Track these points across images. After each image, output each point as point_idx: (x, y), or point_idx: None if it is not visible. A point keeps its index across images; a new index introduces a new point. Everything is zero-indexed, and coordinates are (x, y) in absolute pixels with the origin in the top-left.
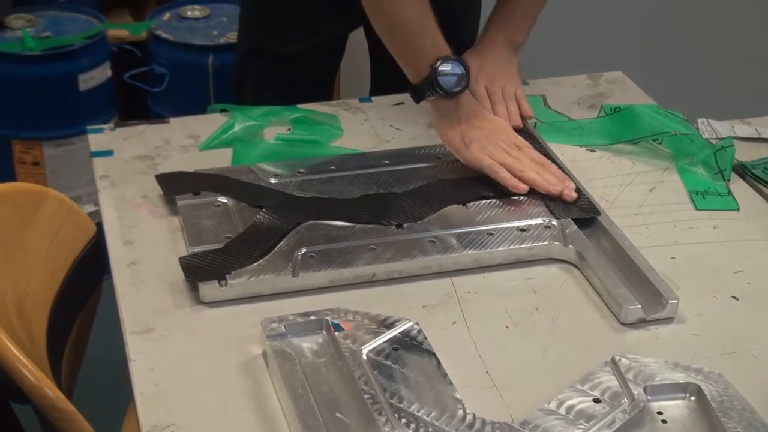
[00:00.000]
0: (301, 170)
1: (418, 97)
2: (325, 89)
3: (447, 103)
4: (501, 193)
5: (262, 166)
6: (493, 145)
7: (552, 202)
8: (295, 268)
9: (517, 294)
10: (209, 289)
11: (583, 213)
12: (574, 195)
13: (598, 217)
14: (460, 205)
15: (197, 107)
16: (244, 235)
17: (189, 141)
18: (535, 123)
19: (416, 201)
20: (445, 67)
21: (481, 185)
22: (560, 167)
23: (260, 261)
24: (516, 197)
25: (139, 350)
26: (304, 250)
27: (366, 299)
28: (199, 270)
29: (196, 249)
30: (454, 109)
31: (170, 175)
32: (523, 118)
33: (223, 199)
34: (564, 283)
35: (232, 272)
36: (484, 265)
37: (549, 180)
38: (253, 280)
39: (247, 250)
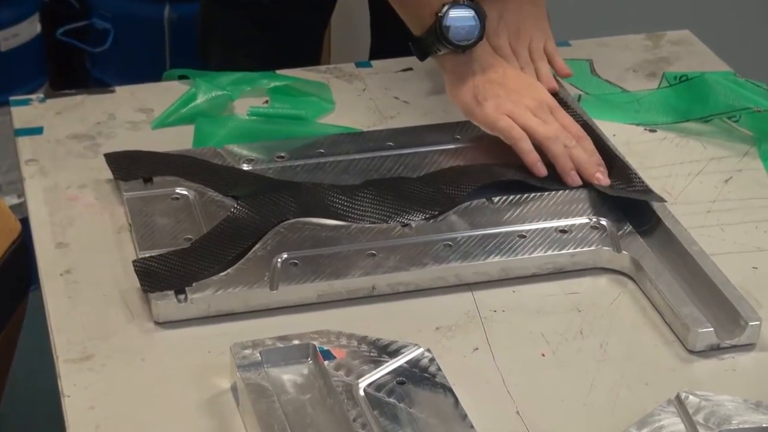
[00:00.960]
0: (282, 154)
1: (422, 53)
2: (312, 50)
3: (457, 59)
4: (545, 184)
5: (231, 148)
6: (514, 102)
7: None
8: (274, 279)
9: (556, 313)
10: (165, 305)
11: (638, 195)
12: (607, 180)
13: (661, 217)
14: (484, 200)
15: (150, 73)
16: (213, 233)
17: (139, 116)
18: (580, 95)
19: (427, 193)
20: (454, 14)
21: (515, 173)
22: (610, 153)
23: (229, 270)
24: (556, 189)
25: (75, 383)
26: (285, 255)
27: (364, 319)
28: (159, 277)
29: (149, 253)
30: (467, 66)
31: (123, 154)
32: (559, 80)
33: (181, 191)
34: (616, 299)
35: (194, 284)
36: (514, 276)
37: (579, 158)
38: (221, 294)
39: (218, 252)
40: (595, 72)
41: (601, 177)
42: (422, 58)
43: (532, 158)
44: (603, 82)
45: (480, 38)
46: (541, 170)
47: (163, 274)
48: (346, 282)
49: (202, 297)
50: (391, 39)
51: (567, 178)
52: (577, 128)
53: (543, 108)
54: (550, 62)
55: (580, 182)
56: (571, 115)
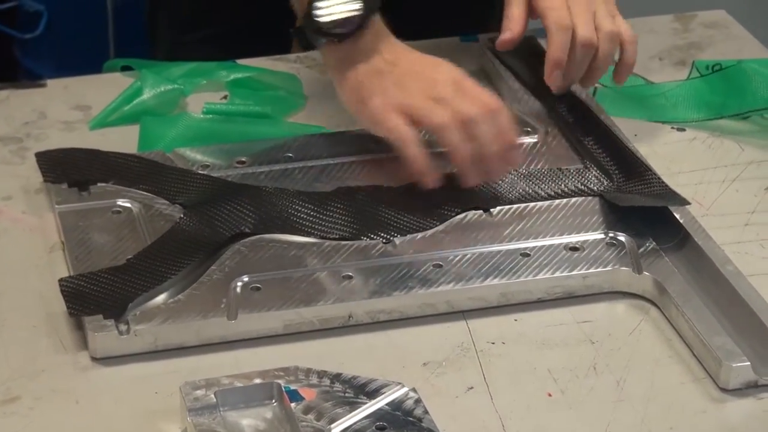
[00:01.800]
0: (243, 159)
1: (305, 45)
2: (279, 35)
3: (339, 51)
4: (558, 193)
5: (183, 152)
6: (405, 92)
7: (611, 183)
8: (233, 307)
9: (565, 345)
10: (104, 338)
11: (654, 200)
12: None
13: (689, 231)
14: (481, 212)
15: (89, 63)
16: (154, 248)
17: (75, 114)
18: (595, 88)
19: (414, 204)
20: None
21: (523, 182)
22: (628, 157)
23: (179, 296)
24: (566, 197)
25: None
26: (245, 278)
27: (338, 353)
28: (89, 298)
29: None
30: (350, 59)
31: (58, 153)
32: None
33: (124, 203)
34: (636, 328)
35: (138, 313)
36: (516, 301)
37: (482, 148)
38: (169, 324)
39: (158, 270)
40: (614, 60)
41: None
42: (306, 50)
43: (418, 167)
44: None
45: (361, 25)
46: (429, 183)
47: (93, 295)
48: (317, 309)
49: (148, 328)
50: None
51: (464, 178)
52: (492, 103)
53: (445, 88)
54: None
55: (478, 182)
56: (583, 113)
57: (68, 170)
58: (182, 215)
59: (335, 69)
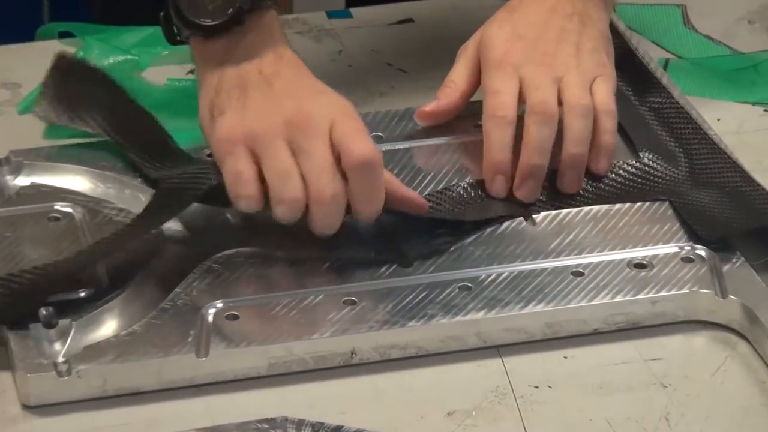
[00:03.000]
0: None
1: (171, 36)
2: None
3: (209, 50)
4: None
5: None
6: (263, 119)
7: (687, 188)
8: (203, 341)
9: (629, 389)
10: (38, 381)
11: (751, 219)
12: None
13: None
14: (521, 219)
15: (20, 29)
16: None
17: (1, 94)
18: (667, 60)
19: (438, 212)
20: None
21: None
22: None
23: (134, 326)
24: (630, 200)
25: None
26: (219, 304)
27: (338, 400)
28: None
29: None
30: (219, 61)
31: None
32: (627, 32)
33: (64, 207)
34: (720, 368)
35: (83, 349)
36: (566, 334)
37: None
38: (122, 363)
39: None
40: (690, 23)
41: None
42: (172, 43)
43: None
44: (702, 39)
45: (236, 19)
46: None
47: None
48: (311, 344)
49: (94, 368)
50: None
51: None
52: (356, 152)
53: (311, 130)
54: (595, 130)
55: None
56: (656, 90)
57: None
58: (152, 197)
59: (200, 69)
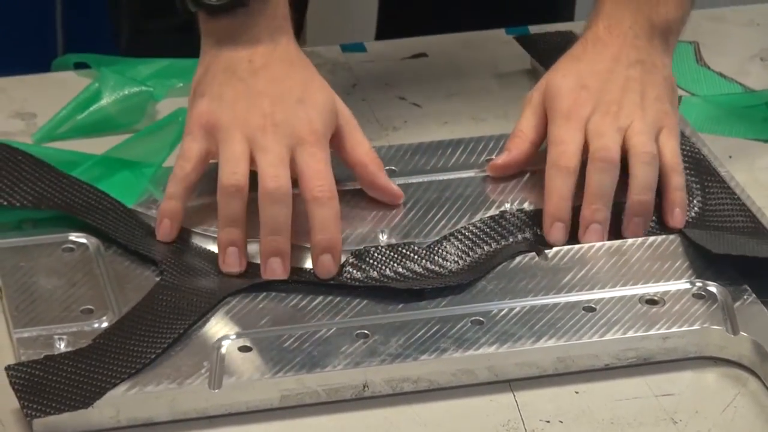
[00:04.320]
0: None
1: (185, 12)
2: None
3: (210, 25)
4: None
5: (161, 172)
6: (238, 117)
7: (696, 228)
8: (217, 372)
9: (640, 425)
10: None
11: (760, 248)
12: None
13: None
14: (533, 254)
15: (35, 59)
16: (127, 321)
17: (16, 124)
18: (680, 97)
19: (450, 248)
20: None
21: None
22: (720, 187)
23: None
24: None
25: None
26: (233, 336)
27: None
28: (48, 392)
29: (28, 333)
30: (219, 38)
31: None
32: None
33: (78, 237)
34: (730, 404)
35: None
36: (578, 368)
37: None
38: (136, 394)
39: (135, 352)
40: (703, 60)
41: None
42: (185, 14)
43: (160, 218)
44: (714, 76)
45: (240, 0)
46: (227, 255)
47: (53, 388)
48: (323, 376)
49: (109, 399)
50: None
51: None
52: (317, 187)
53: (277, 136)
54: (665, 180)
55: (330, 274)
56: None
57: (11, 188)
58: (159, 278)
59: (202, 42)
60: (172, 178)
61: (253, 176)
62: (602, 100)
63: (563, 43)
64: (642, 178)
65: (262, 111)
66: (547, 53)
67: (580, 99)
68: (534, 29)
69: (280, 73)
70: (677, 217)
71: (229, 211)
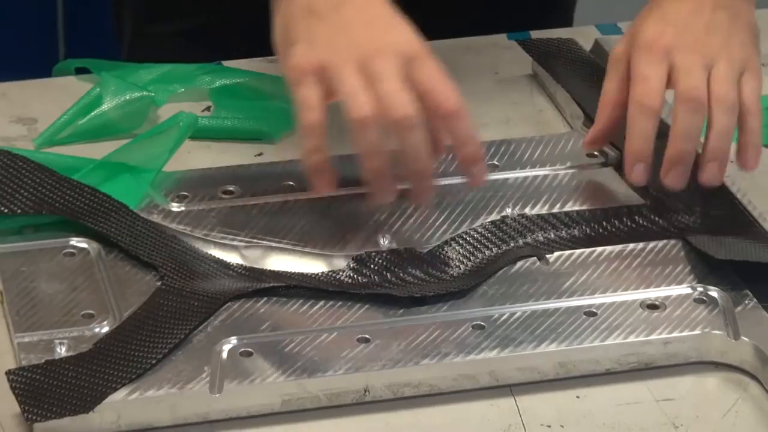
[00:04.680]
0: (230, 188)
1: None
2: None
3: None
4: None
5: (156, 178)
6: (338, 52)
7: (697, 233)
8: (218, 377)
9: (641, 429)
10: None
11: (757, 252)
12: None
13: None
14: (534, 258)
15: (36, 64)
16: (128, 327)
17: (16, 129)
18: None
19: (452, 253)
20: None
21: (586, 220)
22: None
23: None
24: (643, 240)
25: None
26: (233, 341)
27: None
28: (49, 397)
29: (29, 338)
30: None
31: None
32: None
33: (79, 242)
34: (731, 409)
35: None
36: (579, 374)
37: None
38: (137, 399)
39: (136, 357)
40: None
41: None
42: None
43: (310, 164)
44: None
45: None
46: (318, 186)
47: (54, 393)
48: (324, 381)
49: (109, 404)
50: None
51: (369, 196)
52: (447, 101)
53: (388, 62)
54: (741, 120)
55: (428, 197)
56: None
57: (11, 192)
58: (160, 282)
59: (273, 3)
60: (303, 133)
61: (243, 176)
62: (687, 37)
63: (566, 47)
64: (722, 125)
65: (360, 39)
66: (550, 57)
67: (664, 33)
68: (536, 34)
69: (362, 3)
70: (750, 159)
71: (368, 141)
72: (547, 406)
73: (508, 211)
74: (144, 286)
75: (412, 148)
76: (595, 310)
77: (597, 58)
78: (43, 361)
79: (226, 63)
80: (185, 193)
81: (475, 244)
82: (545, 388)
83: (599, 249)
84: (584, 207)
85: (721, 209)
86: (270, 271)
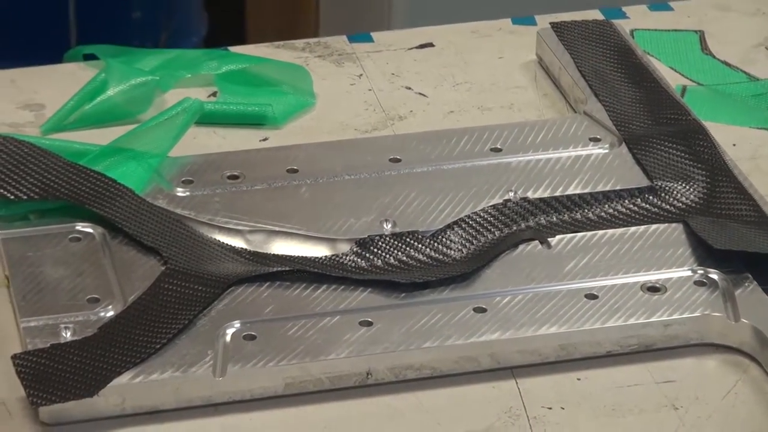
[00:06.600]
0: (235, 173)
1: None
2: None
3: None
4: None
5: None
6: None
7: (699, 215)
8: (221, 360)
9: (641, 411)
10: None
11: (763, 241)
12: None
13: None
14: (536, 242)
15: (44, 50)
16: (133, 311)
17: (24, 115)
18: (684, 87)
19: (454, 236)
20: None
21: (588, 204)
22: (722, 173)
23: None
24: (644, 223)
25: None
26: (237, 324)
27: (354, 420)
28: (54, 381)
29: (35, 322)
30: None
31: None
32: (645, 55)
33: (85, 227)
34: (731, 390)
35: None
36: (580, 356)
37: None
38: (141, 382)
39: (141, 341)
40: (708, 49)
41: None
42: None
43: None
44: (719, 65)
45: None
46: None
47: (59, 377)
48: (327, 364)
49: (114, 387)
50: None
51: None
52: None
53: None
54: None
55: None
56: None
57: (17, 178)
58: (164, 268)
59: None
60: None
61: (248, 162)
62: None
63: (598, 31)
64: None
65: None
66: (579, 42)
67: None
68: (540, 19)
69: None
70: None
71: None
72: (548, 388)
73: (511, 194)
74: (149, 270)
75: None
76: (596, 293)
77: (634, 43)
78: (48, 345)
79: (232, 48)
80: (190, 178)
81: (478, 227)
82: (546, 371)
83: (600, 232)
84: (586, 190)
85: (725, 192)
86: (274, 255)
